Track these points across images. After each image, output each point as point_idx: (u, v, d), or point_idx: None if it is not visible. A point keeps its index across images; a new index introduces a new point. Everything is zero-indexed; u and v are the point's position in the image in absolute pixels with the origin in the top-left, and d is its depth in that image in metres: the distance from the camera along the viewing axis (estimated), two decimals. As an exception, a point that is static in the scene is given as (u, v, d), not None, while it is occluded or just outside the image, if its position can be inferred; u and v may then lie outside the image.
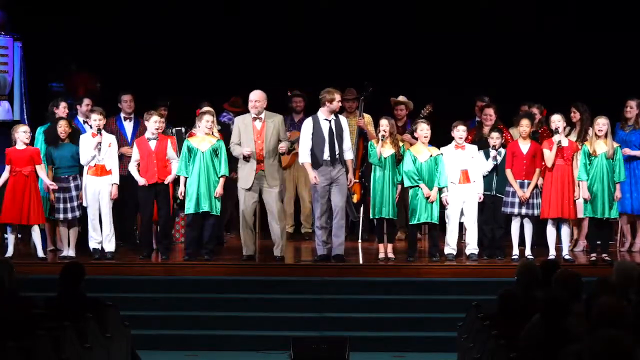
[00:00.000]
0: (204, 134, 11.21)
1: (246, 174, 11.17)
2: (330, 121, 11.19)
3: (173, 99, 12.67)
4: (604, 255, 11.11)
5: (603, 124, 11.06)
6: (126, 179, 11.47)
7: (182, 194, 11.11)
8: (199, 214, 11.12)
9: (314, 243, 11.41)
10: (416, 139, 11.41)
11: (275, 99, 11.93)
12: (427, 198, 11.02)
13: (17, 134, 11.24)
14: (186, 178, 11.11)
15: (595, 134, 11.09)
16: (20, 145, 11.22)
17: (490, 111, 12.00)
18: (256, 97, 11.18)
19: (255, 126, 11.18)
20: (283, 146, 11.22)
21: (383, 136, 11.06)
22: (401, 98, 12.97)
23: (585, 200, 11.09)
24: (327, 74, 13.39)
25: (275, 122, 11.23)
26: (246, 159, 11.10)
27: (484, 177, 11.31)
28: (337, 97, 11.19)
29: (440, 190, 11.12)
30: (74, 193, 11.25)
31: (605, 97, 12.54)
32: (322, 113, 11.21)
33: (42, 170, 11.22)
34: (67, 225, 11.33)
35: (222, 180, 11.14)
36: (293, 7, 14.53)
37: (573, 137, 11.68)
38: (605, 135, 11.07)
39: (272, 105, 11.59)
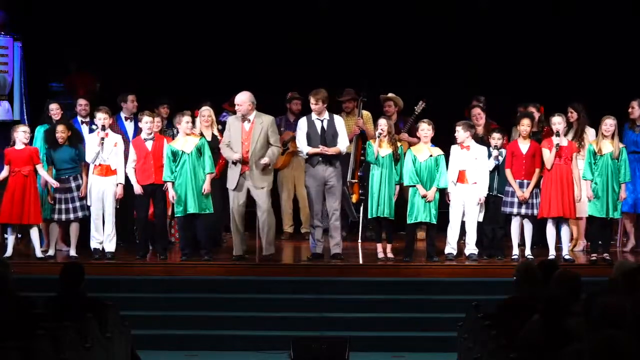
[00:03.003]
0: (184, 136, 11.21)
1: (232, 174, 11.19)
2: (322, 121, 11.27)
3: (173, 99, 12.67)
4: (604, 255, 11.10)
5: (611, 125, 11.06)
6: (128, 179, 11.46)
7: (174, 198, 11.12)
8: (189, 215, 11.12)
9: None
10: (418, 138, 11.45)
11: (275, 99, 11.95)
12: (425, 198, 11.03)
13: (17, 134, 11.25)
14: (173, 182, 11.12)
15: (602, 134, 11.08)
16: (19, 145, 11.22)
17: (478, 110, 12.07)
18: (237, 101, 11.17)
19: (243, 127, 11.17)
20: (265, 161, 11.07)
21: (380, 134, 11.09)
22: (390, 95, 12.98)
23: (589, 199, 11.09)
24: (327, 74, 13.42)
25: (264, 124, 11.17)
26: (234, 162, 11.11)
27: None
28: (311, 99, 11.28)
29: (440, 191, 11.14)
30: (75, 193, 11.26)
31: (611, 97, 12.54)
32: (313, 113, 11.30)
33: (42, 169, 11.21)
34: (68, 226, 11.34)
35: (208, 177, 11.14)
36: (292, 7, 14.52)
37: (570, 137, 11.67)
38: (612, 136, 11.07)
39: (272, 105, 11.58)
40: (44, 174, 11.22)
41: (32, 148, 11.32)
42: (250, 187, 11.15)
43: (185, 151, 11.13)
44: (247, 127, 11.17)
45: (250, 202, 11.37)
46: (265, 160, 11.06)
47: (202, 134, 11.51)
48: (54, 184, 11.19)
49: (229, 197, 11.78)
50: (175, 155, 11.13)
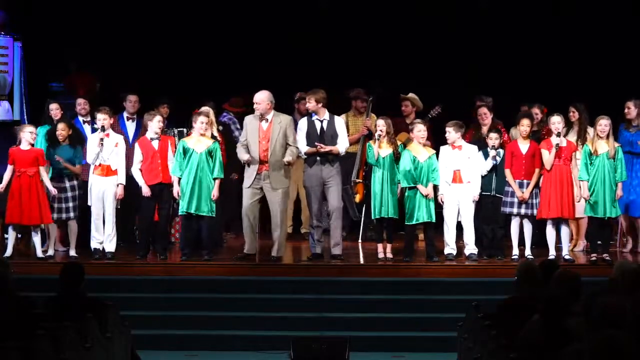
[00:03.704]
0: (199, 135, 11.19)
1: (249, 173, 11.17)
2: (322, 121, 11.26)
3: (173, 99, 12.67)
4: (604, 255, 11.10)
5: (605, 125, 11.06)
6: (128, 179, 11.44)
7: (178, 194, 11.11)
8: (193, 215, 11.11)
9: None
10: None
11: (275, 99, 11.93)
12: (426, 197, 11.04)
13: (23, 134, 11.14)
14: (179, 178, 11.11)
15: (597, 134, 11.09)
16: (25, 146, 11.12)
17: (485, 110, 12.05)
18: (256, 99, 11.14)
19: (261, 126, 11.15)
20: (288, 159, 11.07)
21: (379, 135, 11.11)
22: (410, 95, 12.98)
23: (586, 200, 11.09)
24: (327, 74, 13.42)
25: (283, 123, 11.15)
26: (247, 163, 11.10)
27: (482, 176, 11.31)
28: (306, 98, 11.34)
29: (435, 188, 11.15)
30: (69, 194, 11.24)
31: (606, 97, 12.54)
32: (313, 113, 11.31)
33: (45, 173, 11.13)
34: (64, 226, 11.33)
35: (217, 182, 11.11)
36: (292, 7, 14.52)
37: (572, 137, 11.67)
38: (607, 136, 11.07)
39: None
40: (46, 178, 11.14)
41: (38, 149, 11.21)
42: (265, 187, 11.13)
43: (195, 150, 11.10)
44: (264, 127, 11.14)
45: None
46: (288, 158, 11.02)
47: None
48: (53, 191, 11.11)
49: (231, 197, 11.80)
50: (185, 152, 11.11)
